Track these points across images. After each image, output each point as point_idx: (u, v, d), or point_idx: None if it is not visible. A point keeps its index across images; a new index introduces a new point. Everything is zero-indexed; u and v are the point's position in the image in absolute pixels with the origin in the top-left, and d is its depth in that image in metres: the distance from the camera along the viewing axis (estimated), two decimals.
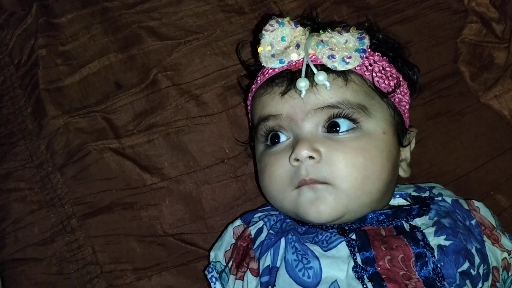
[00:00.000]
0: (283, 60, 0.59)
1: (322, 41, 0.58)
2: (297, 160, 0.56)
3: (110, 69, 0.77)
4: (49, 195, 0.72)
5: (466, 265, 0.55)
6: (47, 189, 0.72)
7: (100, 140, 0.73)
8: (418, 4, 0.81)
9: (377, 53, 0.62)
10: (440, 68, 0.79)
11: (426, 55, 0.78)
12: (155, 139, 0.74)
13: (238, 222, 0.65)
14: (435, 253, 0.54)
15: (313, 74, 0.57)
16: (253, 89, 0.65)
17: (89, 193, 0.72)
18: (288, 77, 0.59)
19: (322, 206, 0.55)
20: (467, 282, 0.54)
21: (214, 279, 0.63)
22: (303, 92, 0.57)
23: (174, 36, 0.78)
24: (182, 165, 0.73)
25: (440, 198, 0.63)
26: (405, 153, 0.65)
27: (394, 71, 0.62)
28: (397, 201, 0.66)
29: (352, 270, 0.53)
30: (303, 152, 0.55)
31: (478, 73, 0.79)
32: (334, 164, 0.55)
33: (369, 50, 0.60)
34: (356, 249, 0.54)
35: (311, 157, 0.55)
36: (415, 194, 0.65)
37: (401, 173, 0.64)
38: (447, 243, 0.55)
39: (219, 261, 0.64)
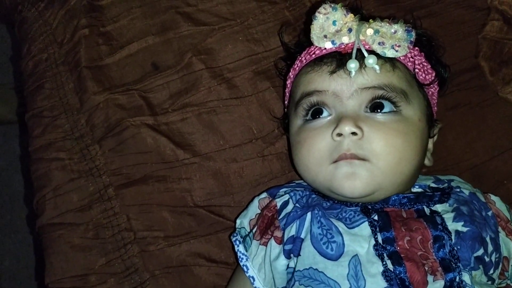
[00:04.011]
0: (335, 42, 0.62)
1: (373, 28, 0.61)
2: (340, 135, 0.59)
3: (148, 51, 0.80)
4: (88, 165, 0.77)
5: (481, 251, 0.58)
6: (86, 160, 0.77)
7: (137, 116, 0.77)
8: (443, 0, 0.84)
9: (416, 48, 0.65)
10: (461, 62, 0.81)
11: (448, 49, 0.79)
12: (188, 118, 0.78)
13: (264, 194, 0.69)
14: (452, 237, 0.57)
15: (363, 57, 0.60)
16: (297, 68, 0.68)
17: (125, 165, 0.76)
18: (337, 58, 0.62)
19: (358, 181, 0.58)
20: (480, 267, 0.58)
21: (238, 242, 0.67)
22: (353, 73, 0.60)
23: (209, 22, 0.81)
24: (212, 143, 0.77)
25: (458, 190, 0.66)
26: (430, 143, 0.69)
27: (429, 66, 0.66)
28: (417, 190, 0.68)
29: (373, 248, 0.56)
30: (347, 127, 0.58)
31: (497, 68, 0.81)
32: (375, 143, 0.58)
33: None
34: (377, 229, 0.58)
35: (353, 133, 0.58)
36: (434, 185, 0.68)
37: (426, 161, 0.67)
38: (464, 229, 0.58)
39: (244, 227, 0.68)
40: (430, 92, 0.67)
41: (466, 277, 0.55)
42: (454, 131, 0.79)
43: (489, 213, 0.63)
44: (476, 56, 0.83)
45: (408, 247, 0.56)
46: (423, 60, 0.65)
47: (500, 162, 0.77)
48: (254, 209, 0.68)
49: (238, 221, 0.69)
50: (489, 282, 0.59)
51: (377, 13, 0.83)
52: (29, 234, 1.20)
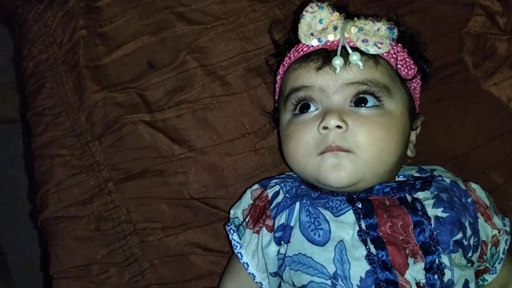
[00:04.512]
0: (321, 39, 0.66)
1: (357, 26, 0.65)
2: (326, 128, 0.62)
3: (144, 50, 0.84)
4: (88, 161, 0.80)
5: (459, 236, 0.62)
6: (87, 155, 0.80)
7: (135, 114, 0.80)
8: None
9: (399, 45, 0.68)
10: (445, 57, 0.84)
11: (432, 45, 0.83)
12: (184, 114, 0.81)
13: (256, 186, 0.73)
14: (432, 222, 0.61)
15: (347, 54, 0.63)
16: (286, 64, 0.71)
17: (124, 160, 0.79)
18: (323, 55, 0.65)
19: (343, 172, 0.61)
20: (460, 250, 0.61)
21: (232, 231, 0.71)
22: (338, 69, 0.63)
23: (202, 21, 0.85)
24: (207, 138, 0.80)
25: (440, 178, 0.69)
26: (412, 136, 0.72)
27: (412, 62, 0.69)
28: (400, 179, 0.72)
29: (357, 234, 0.60)
30: (333, 121, 0.61)
31: (480, 62, 0.84)
32: (358, 135, 0.61)
33: None
34: (361, 216, 0.61)
35: (338, 127, 0.61)
36: (417, 175, 0.72)
37: (409, 152, 0.71)
38: (444, 215, 0.62)
39: (237, 217, 0.71)
40: (413, 87, 0.70)
41: (445, 259, 0.59)
42: (438, 123, 0.82)
43: (469, 200, 0.67)
44: (460, 51, 0.86)
45: (390, 232, 0.60)
46: (406, 56, 0.69)
47: (482, 153, 0.81)
48: (247, 200, 0.72)
49: (232, 212, 0.73)
50: (469, 264, 0.63)
51: (364, 10, 0.86)
52: (32, 230, 1.24)
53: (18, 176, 1.29)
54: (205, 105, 0.82)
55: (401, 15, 0.85)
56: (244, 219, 0.70)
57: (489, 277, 0.69)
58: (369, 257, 0.58)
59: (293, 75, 0.69)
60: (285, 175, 0.74)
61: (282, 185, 0.69)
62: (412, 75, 0.69)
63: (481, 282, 0.70)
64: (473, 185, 0.70)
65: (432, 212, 0.62)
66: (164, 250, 0.77)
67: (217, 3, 0.86)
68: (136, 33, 0.85)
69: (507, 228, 0.69)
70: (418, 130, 0.74)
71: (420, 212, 0.61)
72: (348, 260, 0.59)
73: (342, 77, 0.64)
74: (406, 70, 0.68)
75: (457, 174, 0.74)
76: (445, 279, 0.58)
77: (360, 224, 0.61)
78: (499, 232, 0.67)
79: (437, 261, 0.59)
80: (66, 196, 0.79)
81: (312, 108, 0.66)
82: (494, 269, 0.69)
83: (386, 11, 0.84)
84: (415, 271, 0.58)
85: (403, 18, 0.84)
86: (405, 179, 0.71)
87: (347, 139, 0.61)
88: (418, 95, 0.73)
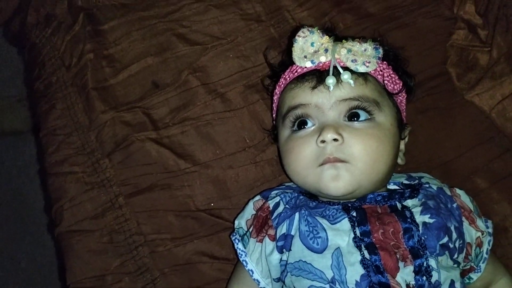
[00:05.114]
0: (314, 61, 0.71)
1: (346, 48, 0.70)
2: (323, 141, 0.66)
3: (148, 70, 0.88)
4: (99, 177, 0.85)
5: (445, 239, 0.67)
6: (98, 172, 0.85)
7: (142, 132, 0.85)
8: (413, 12, 0.91)
9: (384, 62, 0.74)
10: (430, 69, 0.89)
11: (418, 58, 0.88)
12: (187, 130, 0.86)
13: (257, 197, 0.78)
14: (420, 228, 0.67)
15: (339, 73, 0.68)
16: (282, 85, 0.76)
17: (133, 176, 0.84)
18: (317, 75, 0.70)
19: (341, 182, 0.66)
20: (446, 252, 0.67)
21: (237, 241, 0.75)
22: (331, 87, 0.68)
23: (202, 42, 0.89)
24: (210, 153, 0.85)
25: (427, 186, 0.74)
26: (402, 145, 0.77)
27: (397, 77, 0.75)
28: (391, 187, 0.77)
29: (352, 240, 0.66)
30: (329, 135, 0.66)
31: (463, 73, 0.89)
32: (353, 146, 0.66)
33: None
34: (355, 224, 0.67)
35: (335, 140, 0.66)
36: (406, 182, 0.77)
37: (399, 160, 0.76)
38: (431, 220, 0.68)
39: (242, 227, 0.76)
40: (399, 100, 0.76)
41: (432, 262, 0.65)
42: (425, 132, 0.86)
43: (454, 205, 0.72)
44: (444, 63, 0.90)
45: (382, 238, 0.66)
46: (391, 72, 0.74)
47: (467, 159, 0.85)
48: (249, 211, 0.77)
49: (236, 222, 0.78)
50: (455, 265, 0.69)
51: (354, 27, 0.91)
52: (41, 237, 1.28)
53: (27, 187, 1.33)
54: (207, 121, 0.86)
55: (389, 30, 0.89)
56: (248, 229, 0.75)
57: (474, 276, 0.75)
58: (363, 262, 0.64)
59: (290, 95, 0.74)
60: (284, 186, 0.79)
61: (282, 196, 0.74)
62: (398, 89, 0.74)
63: (467, 281, 0.75)
64: (458, 191, 0.75)
65: (420, 218, 0.68)
66: (173, 259, 0.81)
67: (216, 23, 0.90)
68: (140, 54, 0.89)
69: (490, 230, 0.75)
70: (406, 139, 0.79)
71: (409, 219, 0.67)
72: (344, 266, 0.64)
73: (336, 95, 0.69)
74: (392, 85, 0.73)
75: (443, 180, 0.79)
76: (433, 280, 0.64)
77: (355, 231, 0.66)
78: (482, 234, 0.73)
79: (425, 264, 0.64)
80: (79, 211, 0.84)
81: (309, 124, 0.71)
82: (478, 268, 0.74)
83: (374, 27, 0.89)
84: (405, 274, 0.63)
85: (390, 33, 0.89)
86: (395, 187, 0.77)
87: (343, 150, 0.66)
88: (405, 107, 0.78)
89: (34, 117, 0.92)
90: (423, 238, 0.66)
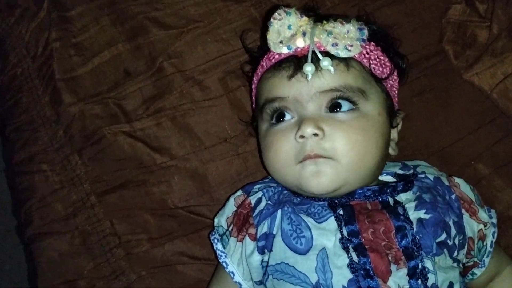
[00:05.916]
0: (290, 47, 0.64)
1: (326, 30, 0.63)
2: (303, 137, 0.61)
3: (119, 58, 0.82)
4: (69, 175, 0.80)
5: (443, 236, 0.62)
6: (67, 170, 0.80)
7: (113, 125, 0.80)
8: None
9: (372, 43, 0.67)
10: (426, 48, 0.83)
11: (413, 36, 0.83)
12: (163, 122, 0.80)
13: (239, 192, 0.72)
14: (414, 226, 0.61)
15: (318, 60, 0.62)
16: (259, 73, 0.70)
17: (105, 172, 0.79)
18: (294, 62, 0.64)
19: (323, 178, 0.60)
20: (444, 250, 0.61)
21: (216, 240, 0.70)
22: (309, 76, 0.62)
23: (177, 25, 0.83)
24: (188, 145, 0.80)
25: (423, 176, 0.68)
26: (394, 133, 0.71)
27: (386, 59, 0.68)
28: (384, 178, 0.71)
29: (339, 241, 0.60)
30: (309, 129, 0.60)
31: (461, 51, 0.83)
32: (336, 141, 0.60)
33: None
34: (342, 223, 0.61)
35: (315, 134, 0.60)
36: (400, 172, 0.71)
37: (390, 151, 0.70)
38: (427, 216, 0.62)
39: (221, 226, 0.71)
40: (389, 85, 0.69)
41: (428, 263, 0.59)
42: (421, 116, 0.81)
43: (453, 197, 0.67)
44: (440, 41, 0.84)
45: (372, 239, 0.60)
46: (380, 53, 0.67)
47: (467, 144, 0.80)
48: (230, 207, 0.71)
49: (216, 220, 0.72)
50: (454, 264, 0.63)
51: (342, 4, 0.85)
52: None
53: (4, 188, 1.28)
54: (184, 111, 0.81)
55: (380, 7, 0.84)
56: (228, 227, 0.70)
57: (478, 271, 0.69)
58: (351, 265, 0.58)
59: (266, 85, 0.68)
60: (268, 179, 0.74)
61: (265, 191, 0.69)
62: (387, 73, 0.67)
63: (470, 276, 0.70)
64: (457, 180, 0.70)
65: (414, 215, 0.62)
66: (151, 261, 0.77)
67: (192, 5, 0.84)
68: (110, 40, 0.83)
69: (494, 220, 0.69)
70: (399, 126, 0.73)
71: (402, 217, 0.61)
72: (330, 269, 0.58)
73: (315, 85, 0.62)
74: (380, 69, 0.67)
75: (442, 167, 0.74)
76: (429, 283, 0.58)
77: (342, 231, 0.60)
78: (485, 226, 0.67)
79: (420, 266, 0.58)
80: (49, 212, 0.79)
81: (288, 116, 0.65)
82: (482, 262, 0.69)
83: (364, 4, 0.83)
84: (398, 278, 0.58)
85: (382, 10, 0.83)
86: (389, 177, 0.71)
87: (325, 146, 0.61)
88: (396, 92, 0.71)
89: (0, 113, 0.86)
90: (417, 237, 0.60)
